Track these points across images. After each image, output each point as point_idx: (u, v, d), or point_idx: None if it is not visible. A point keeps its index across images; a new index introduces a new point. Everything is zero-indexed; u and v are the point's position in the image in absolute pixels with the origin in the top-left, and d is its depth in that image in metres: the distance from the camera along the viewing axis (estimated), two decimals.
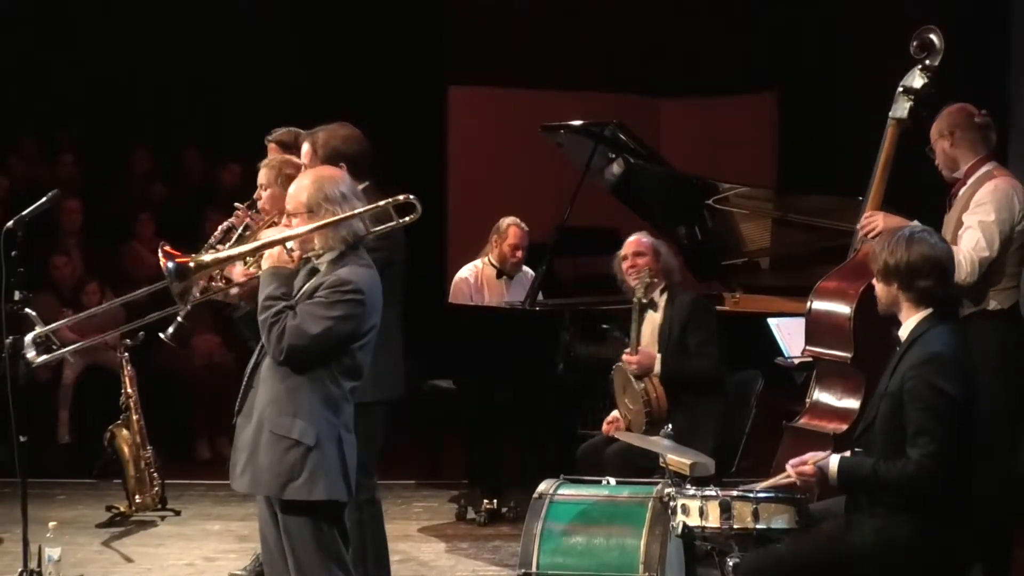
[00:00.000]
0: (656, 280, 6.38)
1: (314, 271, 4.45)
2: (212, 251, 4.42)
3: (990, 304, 5.38)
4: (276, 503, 4.45)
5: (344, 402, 4.41)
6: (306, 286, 4.40)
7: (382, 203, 4.57)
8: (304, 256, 4.43)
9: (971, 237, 5.35)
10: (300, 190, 4.44)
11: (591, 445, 6.43)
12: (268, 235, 4.56)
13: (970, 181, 5.51)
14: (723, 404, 6.30)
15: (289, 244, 4.42)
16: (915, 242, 4.33)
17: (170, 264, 4.35)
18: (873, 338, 5.14)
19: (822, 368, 5.53)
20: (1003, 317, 5.41)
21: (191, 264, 4.37)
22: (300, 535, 4.40)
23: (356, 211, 4.41)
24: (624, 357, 6.31)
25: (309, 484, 4.33)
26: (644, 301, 6.35)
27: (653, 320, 6.39)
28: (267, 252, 4.45)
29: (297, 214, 4.42)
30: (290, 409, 4.34)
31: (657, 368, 6.23)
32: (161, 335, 5.26)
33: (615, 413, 6.44)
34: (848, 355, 5.32)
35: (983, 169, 5.51)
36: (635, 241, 6.52)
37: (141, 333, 6.87)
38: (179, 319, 5.13)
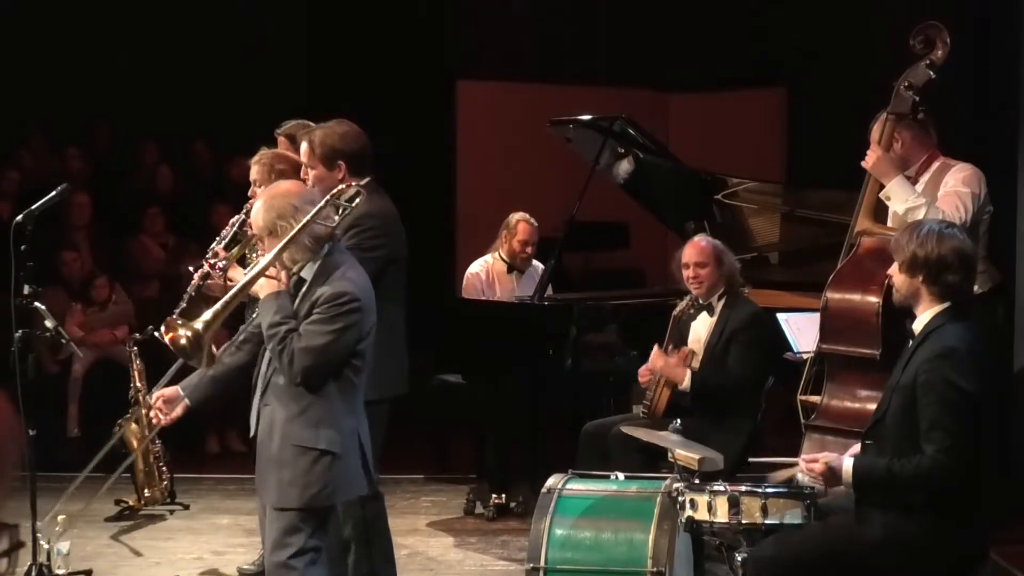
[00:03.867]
0: (716, 286, 6.22)
1: (301, 282, 4.49)
2: (203, 313, 4.46)
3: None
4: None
5: (357, 397, 4.51)
6: (302, 302, 4.44)
7: (322, 203, 4.52)
8: (291, 273, 4.49)
9: (950, 202, 5.51)
10: (256, 215, 4.52)
11: (598, 426, 6.35)
12: (242, 275, 4.68)
13: (925, 177, 5.67)
14: (749, 431, 6.11)
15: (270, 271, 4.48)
16: (946, 236, 4.31)
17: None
18: (892, 333, 5.14)
19: (837, 365, 5.48)
20: (983, 300, 5.51)
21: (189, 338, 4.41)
22: (282, 536, 4.43)
23: (305, 219, 4.41)
24: (655, 348, 6.20)
25: (339, 490, 4.46)
26: (701, 303, 6.24)
27: (706, 323, 6.23)
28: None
29: (263, 238, 4.51)
30: (312, 420, 4.41)
31: (686, 384, 6.10)
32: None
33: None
34: (876, 352, 5.28)
35: (937, 163, 5.72)
36: (698, 248, 6.24)
37: (150, 327, 6.87)
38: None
